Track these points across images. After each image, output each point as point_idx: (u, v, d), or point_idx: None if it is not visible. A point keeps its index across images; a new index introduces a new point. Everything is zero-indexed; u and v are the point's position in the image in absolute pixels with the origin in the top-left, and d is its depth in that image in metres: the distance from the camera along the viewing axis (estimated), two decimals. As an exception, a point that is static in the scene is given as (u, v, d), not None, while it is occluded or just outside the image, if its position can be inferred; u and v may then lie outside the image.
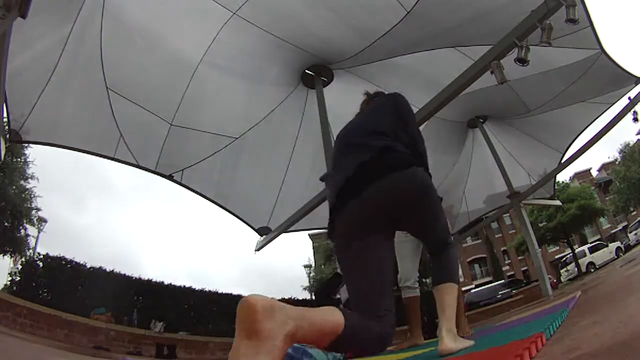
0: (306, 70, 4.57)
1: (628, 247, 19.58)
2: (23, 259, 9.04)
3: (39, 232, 10.91)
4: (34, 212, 10.70)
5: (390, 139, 1.60)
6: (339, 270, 3.07)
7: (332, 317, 1.06)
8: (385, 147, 1.51)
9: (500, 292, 16.49)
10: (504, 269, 28.27)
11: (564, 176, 24.77)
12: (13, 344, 3.40)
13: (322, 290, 2.99)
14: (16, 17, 2.52)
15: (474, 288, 20.40)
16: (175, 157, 4.97)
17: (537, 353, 0.96)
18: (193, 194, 5.43)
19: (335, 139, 1.83)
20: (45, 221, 11.09)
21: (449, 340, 1.44)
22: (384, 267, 1.41)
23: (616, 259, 17.60)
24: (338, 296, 3.13)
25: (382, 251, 1.43)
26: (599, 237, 28.96)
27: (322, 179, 4.24)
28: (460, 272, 3.15)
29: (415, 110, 4.28)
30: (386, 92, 2.01)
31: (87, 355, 4.24)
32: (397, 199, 1.45)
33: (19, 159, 10.42)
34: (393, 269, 1.51)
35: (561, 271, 21.18)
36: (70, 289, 7.12)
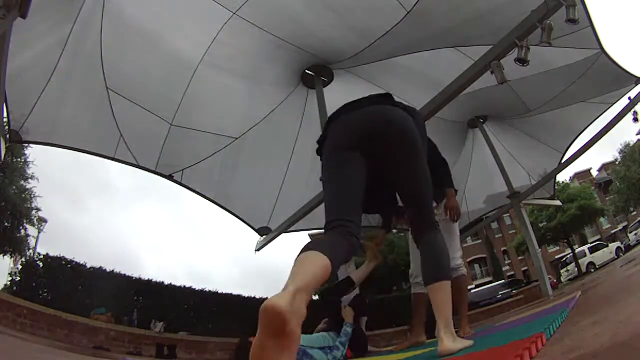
0: (306, 70, 4.57)
1: (628, 247, 19.59)
2: (23, 259, 9.05)
3: (39, 232, 10.93)
4: (34, 212, 10.72)
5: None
6: (351, 276, 3.01)
7: (322, 266, 1.10)
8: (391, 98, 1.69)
9: (500, 292, 16.50)
10: (504, 269, 28.28)
11: (564, 176, 24.79)
12: (13, 344, 3.40)
13: (333, 292, 2.97)
14: (16, 17, 2.52)
15: (474, 288, 20.40)
16: (175, 157, 4.96)
17: (537, 353, 0.96)
18: (193, 194, 5.43)
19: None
20: (45, 221, 11.11)
21: (448, 340, 1.43)
22: (360, 185, 1.47)
23: (616, 259, 17.60)
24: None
25: (361, 170, 1.49)
26: (599, 237, 28.98)
27: (322, 179, 4.24)
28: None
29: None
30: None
31: (87, 355, 4.24)
32: (377, 126, 1.54)
33: (19, 159, 10.44)
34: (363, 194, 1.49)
35: (561, 271, 21.19)
36: (70, 289, 7.13)
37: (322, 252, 1.13)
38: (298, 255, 1.15)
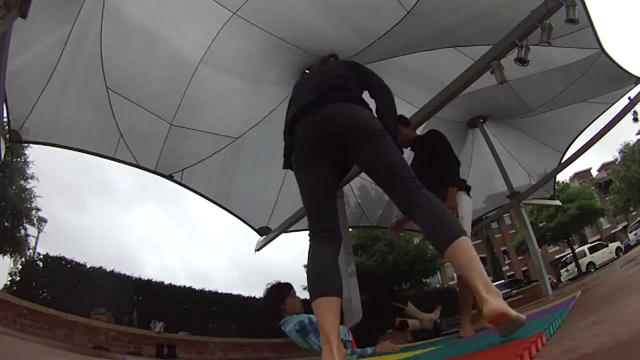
0: (306, 70, 4.57)
1: (628, 247, 19.59)
2: (23, 259, 9.05)
3: (39, 232, 10.93)
4: (34, 212, 10.72)
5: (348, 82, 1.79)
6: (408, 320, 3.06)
7: (338, 307, 1.44)
8: (340, 86, 1.73)
9: (500, 292, 16.44)
10: (504, 269, 28.28)
11: (564, 176, 24.78)
12: (13, 344, 3.40)
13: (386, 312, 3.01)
14: (16, 17, 2.52)
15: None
16: (175, 157, 4.96)
17: (537, 353, 0.96)
18: (193, 194, 5.43)
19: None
20: (45, 221, 11.11)
21: (496, 300, 1.18)
22: (322, 186, 1.62)
23: (616, 259, 17.61)
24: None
25: (323, 171, 1.61)
26: (599, 237, 28.98)
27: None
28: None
29: (415, 110, 4.30)
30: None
31: (87, 355, 4.24)
32: (330, 127, 1.60)
33: (19, 159, 10.43)
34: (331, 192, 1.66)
35: (561, 271, 21.20)
36: (70, 289, 7.12)
37: (334, 295, 1.44)
38: (315, 299, 1.43)
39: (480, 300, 1.23)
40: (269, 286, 2.89)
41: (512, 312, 1.17)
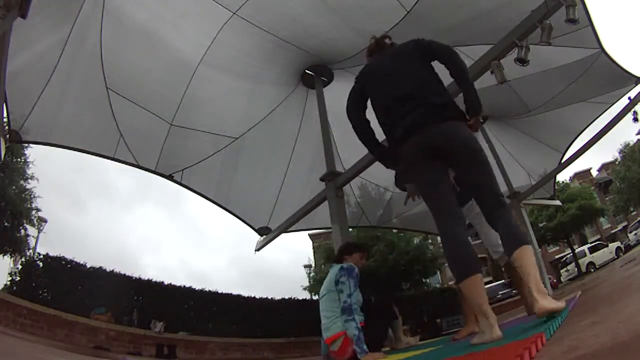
0: (306, 70, 4.57)
1: (628, 247, 19.58)
2: (23, 259, 9.03)
3: (39, 232, 10.92)
4: (34, 212, 10.70)
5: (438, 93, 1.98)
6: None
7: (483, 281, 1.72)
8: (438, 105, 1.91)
9: (500, 292, 16.48)
10: (504, 269, 28.19)
11: (564, 176, 24.76)
12: (13, 344, 3.40)
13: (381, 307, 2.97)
14: (16, 17, 2.52)
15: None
16: (175, 157, 4.96)
17: (537, 353, 0.96)
18: (193, 194, 5.43)
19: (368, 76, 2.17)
20: (45, 221, 11.10)
21: (543, 299, 1.47)
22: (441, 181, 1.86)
23: (616, 259, 17.59)
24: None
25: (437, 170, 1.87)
26: (599, 237, 28.95)
27: (322, 179, 4.23)
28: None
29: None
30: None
31: (87, 355, 4.24)
32: (443, 147, 1.84)
33: (19, 159, 10.42)
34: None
35: (561, 271, 21.18)
36: (70, 289, 7.11)
37: (477, 272, 1.65)
38: (470, 276, 1.62)
39: (531, 298, 1.53)
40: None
41: (556, 306, 1.47)
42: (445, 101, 1.93)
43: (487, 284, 17.89)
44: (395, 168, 2.23)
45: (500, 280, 21.23)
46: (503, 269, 2.98)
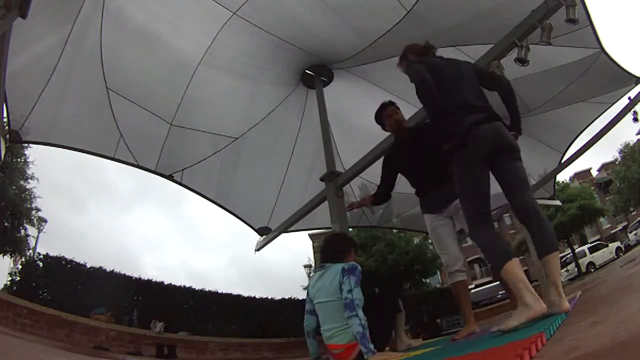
0: (306, 70, 4.57)
1: (628, 247, 19.60)
2: (23, 259, 9.04)
3: (39, 232, 10.93)
4: (34, 212, 10.71)
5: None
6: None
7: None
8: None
9: (500, 292, 16.46)
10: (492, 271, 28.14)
11: (564, 176, 24.76)
12: (13, 344, 3.40)
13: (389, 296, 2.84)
14: (16, 17, 2.51)
15: (474, 288, 20.39)
16: (175, 157, 4.96)
17: (537, 353, 0.97)
18: (192, 195, 5.43)
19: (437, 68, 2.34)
20: (45, 221, 11.11)
21: (563, 303, 1.78)
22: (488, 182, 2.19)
23: (616, 259, 17.61)
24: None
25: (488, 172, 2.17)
26: (599, 237, 28.97)
27: (322, 179, 4.24)
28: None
29: (415, 110, 4.30)
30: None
31: (87, 355, 4.24)
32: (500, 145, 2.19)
33: (19, 159, 10.43)
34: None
35: (561, 271, 21.18)
36: (70, 289, 7.12)
37: (515, 255, 1.88)
38: (510, 262, 1.85)
39: (549, 298, 1.84)
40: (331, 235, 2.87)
41: (568, 306, 1.79)
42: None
43: (487, 284, 17.89)
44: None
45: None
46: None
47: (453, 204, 2.77)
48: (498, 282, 18.74)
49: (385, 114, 3.12)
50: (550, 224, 2.04)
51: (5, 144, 3.97)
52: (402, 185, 3.28)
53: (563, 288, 1.94)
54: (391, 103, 3.18)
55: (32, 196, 10.71)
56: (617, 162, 24.31)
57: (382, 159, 4.31)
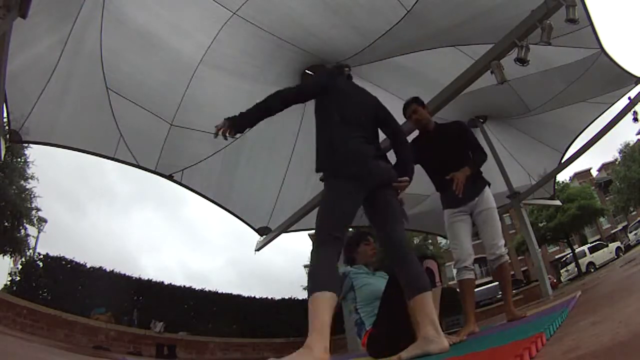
0: (306, 70, 4.57)
1: (628, 247, 19.59)
2: (23, 259, 9.03)
3: (39, 232, 10.91)
4: (34, 212, 10.70)
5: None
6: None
7: (333, 306, 1.56)
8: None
9: (500, 292, 16.42)
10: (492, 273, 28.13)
11: (564, 176, 24.74)
12: (13, 343, 3.40)
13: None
14: (16, 17, 2.52)
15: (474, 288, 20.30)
16: (175, 157, 4.96)
17: (537, 353, 0.96)
18: (191, 197, 5.44)
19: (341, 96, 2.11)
20: (45, 221, 11.09)
21: (440, 341, 1.58)
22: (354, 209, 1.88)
23: (616, 259, 17.60)
24: None
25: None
26: (599, 237, 28.95)
27: (322, 179, 4.24)
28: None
29: (415, 110, 4.27)
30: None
31: (87, 355, 4.24)
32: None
33: (19, 159, 10.42)
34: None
35: (561, 271, 21.18)
36: (70, 289, 7.11)
37: (333, 290, 1.56)
38: (318, 294, 1.53)
39: (419, 335, 1.61)
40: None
41: (447, 345, 1.58)
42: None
43: (487, 284, 17.89)
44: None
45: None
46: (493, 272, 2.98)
47: (474, 200, 2.86)
48: (498, 283, 18.78)
49: (407, 115, 3.17)
50: (418, 263, 1.79)
51: (5, 144, 3.97)
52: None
53: (563, 288, 1.90)
54: (414, 100, 3.18)
55: (32, 196, 10.71)
56: (617, 162, 24.30)
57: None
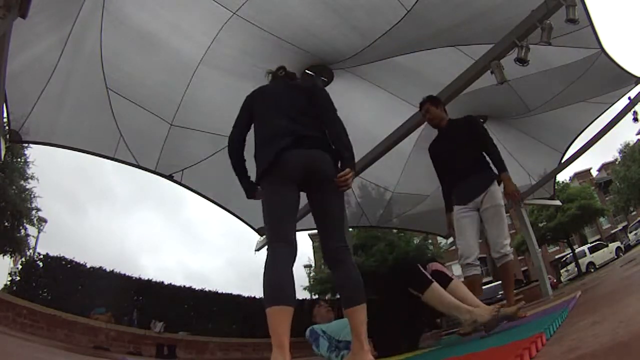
0: (306, 70, 4.56)
1: (628, 247, 19.60)
2: (23, 259, 9.04)
3: (39, 232, 10.93)
4: (34, 212, 10.71)
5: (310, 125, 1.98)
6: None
7: (290, 317, 1.59)
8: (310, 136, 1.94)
9: (500, 292, 16.44)
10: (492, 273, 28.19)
11: (564, 176, 24.75)
12: (13, 343, 3.40)
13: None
14: (16, 17, 2.52)
15: (481, 285, 20.30)
16: (175, 157, 4.96)
17: (537, 353, 0.96)
18: (190, 197, 5.44)
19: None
20: (45, 221, 11.11)
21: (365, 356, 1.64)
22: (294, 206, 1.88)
23: (616, 259, 17.62)
24: None
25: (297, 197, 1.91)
26: (599, 237, 28.96)
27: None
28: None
29: (415, 110, 4.30)
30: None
31: (87, 355, 4.24)
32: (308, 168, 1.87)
33: (19, 159, 10.43)
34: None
35: (561, 271, 21.20)
36: (70, 289, 7.12)
37: (289, 304, 1.58)
38: (267, 307, 1.57)
39: (355, 349, 1.66)
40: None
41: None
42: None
43: (487, 284, 17.90)
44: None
45: (500, 280, 21.18)
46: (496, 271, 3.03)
47: (480, 197, 2.87)
48: (498, 282, 18.77)
49: (421, 115, 3.20)
50: (358, 274, 1.74)
51: (5, 144, 3.97)
52: (402, 185, 3.29)
53: (563, 288, 1.90)
54: (427, 99, 3.21)
55: (32, 196, 10.72)
56: (617, 162, 24.32)
57: (381, 159, 4.31)
